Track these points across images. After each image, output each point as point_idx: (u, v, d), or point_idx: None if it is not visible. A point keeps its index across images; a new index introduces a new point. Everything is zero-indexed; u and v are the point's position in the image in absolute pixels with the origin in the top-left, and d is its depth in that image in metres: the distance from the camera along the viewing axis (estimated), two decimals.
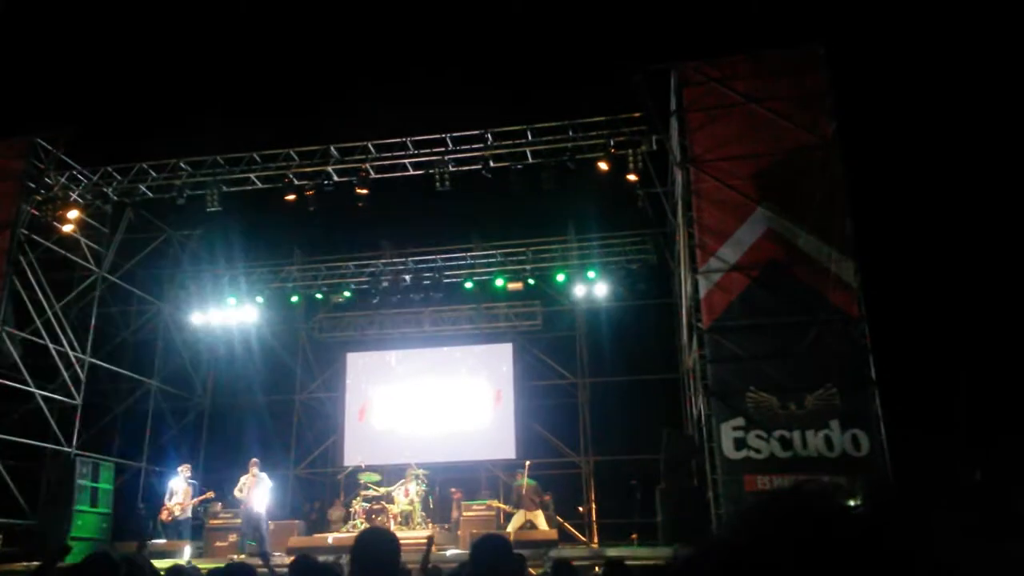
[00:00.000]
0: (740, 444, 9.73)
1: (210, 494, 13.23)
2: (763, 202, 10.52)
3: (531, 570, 8.14)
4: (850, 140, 10.88)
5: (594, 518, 15.77)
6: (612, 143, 12.27)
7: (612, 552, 11.22)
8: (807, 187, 10.47)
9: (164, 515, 13.05)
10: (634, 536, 13.50)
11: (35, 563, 10.93)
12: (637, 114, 12.26)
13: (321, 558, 5.44)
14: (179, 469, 13.41)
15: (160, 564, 7.82)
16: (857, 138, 11.63)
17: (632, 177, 12.35)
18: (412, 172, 13.18)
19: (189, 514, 13.14)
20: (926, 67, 13.80)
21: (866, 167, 12.22)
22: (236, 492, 12.71)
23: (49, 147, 13.54)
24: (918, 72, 13.85)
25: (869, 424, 9.47)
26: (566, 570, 4.98)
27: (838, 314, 9.96)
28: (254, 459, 12.87)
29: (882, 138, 13.47)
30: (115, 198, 14.18)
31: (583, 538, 15.16)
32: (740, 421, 9.80)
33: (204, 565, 11.47)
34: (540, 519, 12.60)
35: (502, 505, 13.38)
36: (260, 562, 7.52)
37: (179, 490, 13.09)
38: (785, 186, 10.55)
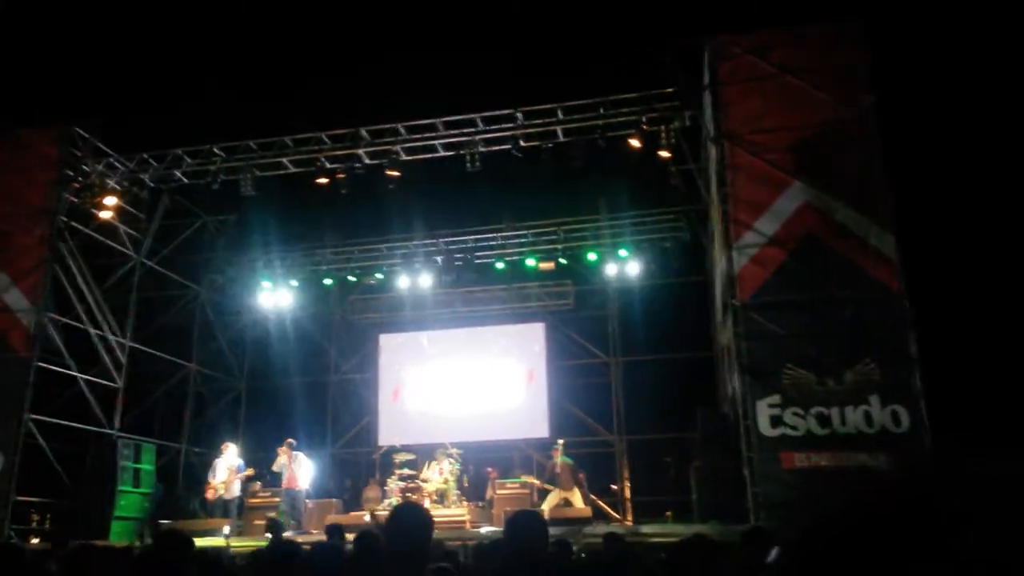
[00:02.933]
0: (776, 421, 9.61)
1: (250, 471, 13.43)
2: (800, 175, 10.32)
3: None
4: (889, 112, 10.63)
5: (627, 496, 15.77)
6: (644, 120, 12.11)
7: (646, 529, 11.21)
8: (845, 160, 10.27)
9: (209, 493, 13.29)
10: (668, 514, 13.49)
11: (79, 541, 11.22)
12: (669, 90, 12.08)
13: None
14: (222, 448, 13.62)
15: (200, 543, 7.96)
16: (896, 110, 11.36)
17: (664, 154, 12.18)
18: (443, 153, 13.16)
19: (236, 492, 13.31)
20: (965, 37, 13.42)
21: (905, 139, 11.94)
22: (273, 467, 12.98)
23: (86, 135, 13.74)
24: (957, 42, 13.47)
25: (910, 400, 9.30)
26: (618, 544, 5.00)
27: (878, 288, 9.76)
28: (288, 439, 13.12)
29: (921, 110, 13.14)
30: (151, 184, 14.36)
31: (617, 516, 15.19)
32: (776, 398, 9.68)
33: (242, 543, 11.71)
34: (576, 497, 12.64)
35: (536, 481, 13.44)
36: (301, 539, 7.64)
37: (222, 468, 13.30)
38: (822, 159, 10.34)
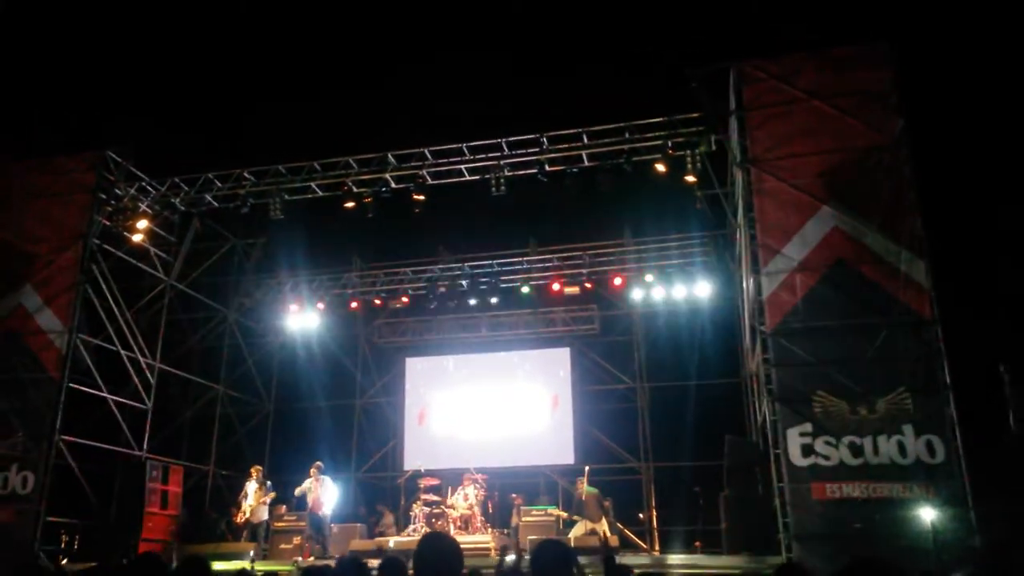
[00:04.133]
0: (807, 451, 9.43)
1: (273, 494, 13.43)
2: (829, 200, 10.21)
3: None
4: (919, 138, 10.50)
5: (655, 525, 15.55)
6: (670, 144, 12.07)
7: (672, 559, 11.02)
8: (874, 186, 10.14)
9: (238, 517, 13.30)
10: (697, 544, 13.27)
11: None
12: (695, 114, 12.05)
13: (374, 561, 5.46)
14: (252, 471, 13.65)
15: (225, 566, 7.96)
16: (926, 135, 11.23)
17: (690, 178, 12.12)
18: (468, 177, 13.21)
19: (263, 516, 13.29)
20: (996, 62, 13.28)
21: (936, 165, 11.79)
22: (296, 491, 12.94)
23: (119, 159, 14.00)
24: (988, 67, 13.34)
25: (944, 430, 9.09)
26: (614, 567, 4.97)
27: (910, 315, 9.59)
28: (317, 463, 13.10)
29: (952, 135, 12.99)
30: (182, 208, 14.57)
31: (644, 545, 14.97)
32: (807, 427, 9.51)
33: (266, 567, 11.69)
34: (604, 527, 12.46)
35: (562, 513, 13.29)
36: (329, 564, 7.59)
37: (251, 491, 13.31)
38: (851, 185, 10.21)
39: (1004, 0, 13.10)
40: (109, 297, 14.07)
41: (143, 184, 14.35)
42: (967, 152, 13.17)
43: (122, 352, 14.23)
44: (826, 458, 9.37)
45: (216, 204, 14.29)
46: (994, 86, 13.34)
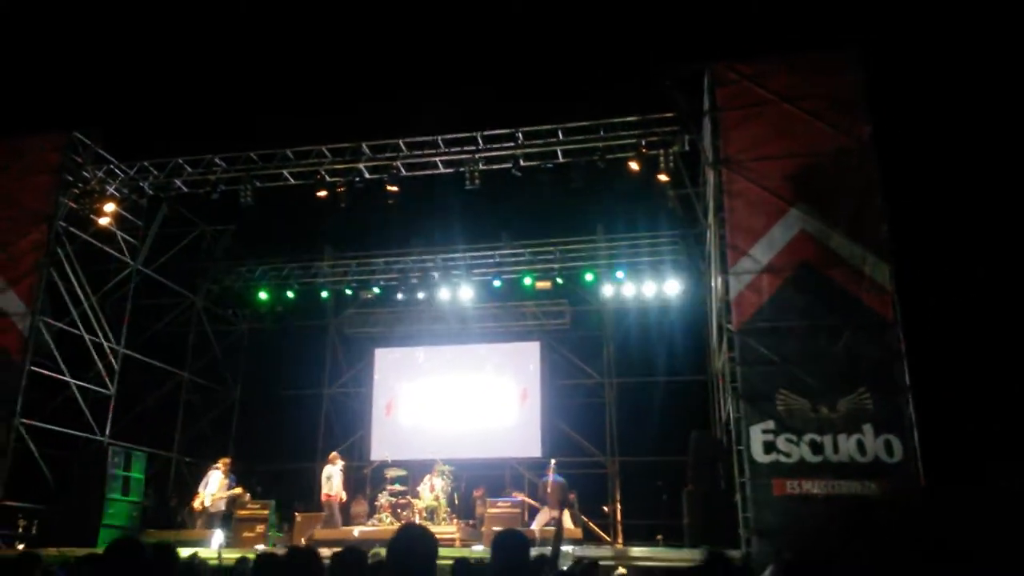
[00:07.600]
0: (769, 447, 9.60)
1: (238, 490, 13.33)
2: (796, 203, 10.38)
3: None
4: (886, 142, 10.70)
5: (619, 518, 15.71)
6: (643, 143, 12.18)
7: (635, 552, 11.14)
8: (842, 189, 10.33)
9: (196, 504, 13.18)
10: (659, 537, 13.44)
11: (66, 549, 11.10)
12: (669, 114, 12.16)
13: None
14: (220, 462, 13.53)
15: (184, 553, 7.90)
16: (893, 140, 11.44)
17: (663, 177, 12.25)
18: (443, 170, 13.21)
19: (223, 507, 13.19)
20: (965, 69, 13.56)
21: (902, 169, 12.03)
22: (324, 479, 13.43)
23: (87, 141, 13.77)
24: (957, 74, 13.61)
25: (903, 430, 9.31)
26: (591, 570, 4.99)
27: (872, 317, 9.79)
28: (334, 452, 13.63)
29: (919, 141, 13.24)
30: (151, 192, 14.38)
31: (608, 538, 15.12)
32: (770, 424, 9.67)
33: (233, 554, 11.60)
34: (565, 517, 12.56)
35: (527, 499, 13.40)
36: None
37: (214, 481, 13.20)
38: (819, 187, 10.39)
39: (974, 8, 13.36)
40: (74, 280, 13.86)
41: (111, 167, 14.14)
42: (934, 158, 13.44)
43: (86, 336, 14.03)
44: (787, 455, 9.54)
45: (185, 189, 14.14)
46: (962, 93, 13.62)
